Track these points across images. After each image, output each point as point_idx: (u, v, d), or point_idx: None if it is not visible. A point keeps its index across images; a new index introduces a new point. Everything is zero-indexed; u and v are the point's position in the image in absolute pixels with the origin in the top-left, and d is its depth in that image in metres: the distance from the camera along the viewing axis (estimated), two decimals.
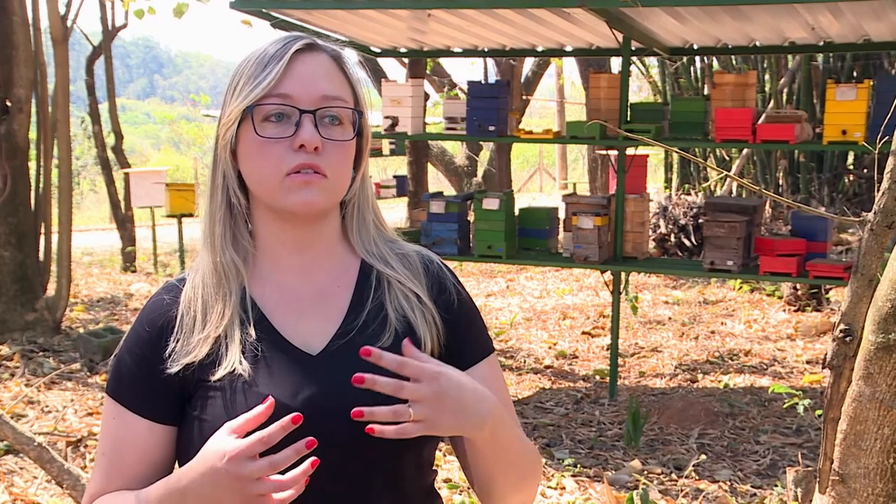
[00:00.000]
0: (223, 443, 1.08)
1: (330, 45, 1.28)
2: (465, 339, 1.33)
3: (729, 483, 3.88)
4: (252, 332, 1.23)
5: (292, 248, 1.28)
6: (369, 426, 1.09)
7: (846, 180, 10.35)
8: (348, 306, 1.29)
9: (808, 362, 5.95)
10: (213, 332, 1.22)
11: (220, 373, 1.20)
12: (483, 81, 6.59)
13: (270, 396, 1.12)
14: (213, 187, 1.28)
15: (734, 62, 9.90)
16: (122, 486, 1.26)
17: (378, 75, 10.35)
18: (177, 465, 1.28)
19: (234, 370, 1.20)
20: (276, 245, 1.28)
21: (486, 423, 1.17)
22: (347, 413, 1.14)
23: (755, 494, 3.75)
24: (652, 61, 11.49)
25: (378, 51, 6.13)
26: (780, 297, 7.68)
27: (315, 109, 1.21)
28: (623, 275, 5.67)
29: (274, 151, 1.21)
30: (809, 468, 3.10)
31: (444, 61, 11.82)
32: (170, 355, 1.23)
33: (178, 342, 1.23)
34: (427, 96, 6.95)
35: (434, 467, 1.34)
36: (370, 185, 1.36)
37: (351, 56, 1.91)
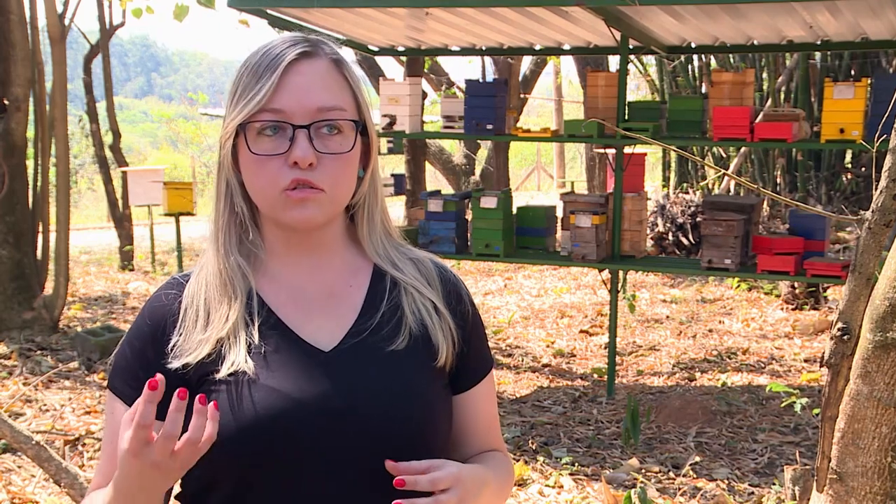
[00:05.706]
0: (121, 442, 1.07)
1: (329, 47, 1.26)
2: (472, 355, 1.33)
3: (727, 481, 3.88)
4: (256, 333, 1.22)
5: (299, 250, 1.28)
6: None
7: (844, 179, 10.37)
8: (361, 306, 1.28)
9: (805, 361, 5.96)
10: (215, 335, 1.21)
11: (224, 371, 1.20)
12: (481, 80, 6.59)
13: (159, 374, 1.06)
14: (217, 192, 1.28)
15: (732, 61, 9.90)
16: None
17: (376, 73, 10.34)
18: None
19: (238, 369, 1.19)
20: (282, 248, 1.28)
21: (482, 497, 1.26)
22: (355, 411, 1.18)
23: (753, 493, 3.75)
24: (650, 60, 11.49)
25: (376, 49, 6.12)
26: (778, 296, 7.69)
27: (309, 124, 1.20)
28: (621, 273, 5.68)
29: (269, 167, 1.20)
30: (807, 466, 3.10)
31: (441, 59, 11.82)
32: (171, 350, 1.22)
33: (180, 336, 1.23)
34: (425, 95, 6.95)
35: None
36: (380, 185, 1.34)
37: (349, 57, 1.91)
